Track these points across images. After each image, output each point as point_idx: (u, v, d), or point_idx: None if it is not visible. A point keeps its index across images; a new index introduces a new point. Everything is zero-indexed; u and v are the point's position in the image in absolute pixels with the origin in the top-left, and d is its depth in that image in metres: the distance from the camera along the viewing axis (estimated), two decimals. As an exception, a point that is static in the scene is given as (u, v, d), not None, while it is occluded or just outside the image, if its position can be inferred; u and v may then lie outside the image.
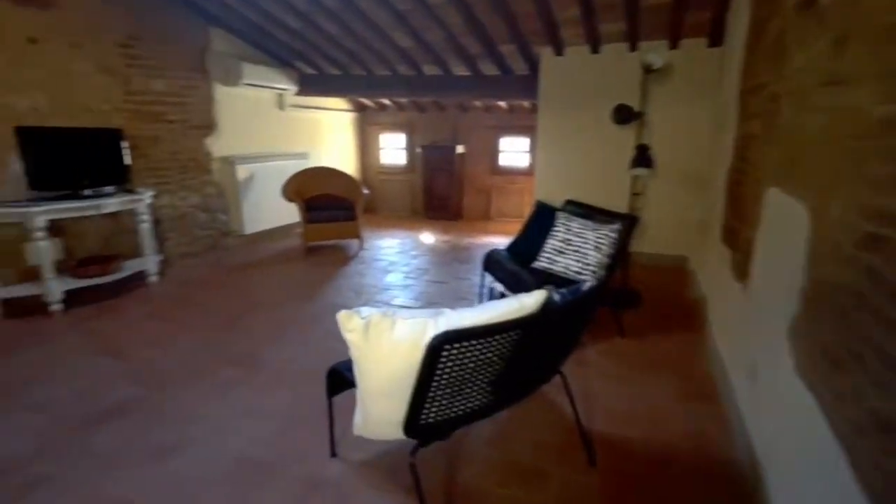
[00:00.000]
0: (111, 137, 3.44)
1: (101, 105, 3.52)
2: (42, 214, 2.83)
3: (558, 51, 4.17)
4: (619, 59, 4.01)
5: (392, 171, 6.95)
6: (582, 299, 1.29)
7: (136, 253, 3.71)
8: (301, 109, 5.64)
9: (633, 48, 3.94)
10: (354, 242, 5.01)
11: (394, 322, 1.04)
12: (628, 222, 2.63)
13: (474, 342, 1.06)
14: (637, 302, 3.18)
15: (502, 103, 5.85)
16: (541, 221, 2.98)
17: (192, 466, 1.70)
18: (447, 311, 1.13)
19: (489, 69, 4.65)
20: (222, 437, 1.86)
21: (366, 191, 4.90)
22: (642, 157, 3.21)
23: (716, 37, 3.59)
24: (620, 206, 3.54)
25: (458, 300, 3.41)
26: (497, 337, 1.09)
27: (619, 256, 2.56)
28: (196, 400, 2.11)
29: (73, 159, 3.18)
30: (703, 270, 3.30)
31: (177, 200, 4.17)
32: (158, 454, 1.76)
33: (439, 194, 6.38)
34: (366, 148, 7.00)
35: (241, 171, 4.73)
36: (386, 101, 6.26)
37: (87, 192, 3.22)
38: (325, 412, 1.74)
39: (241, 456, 1.76)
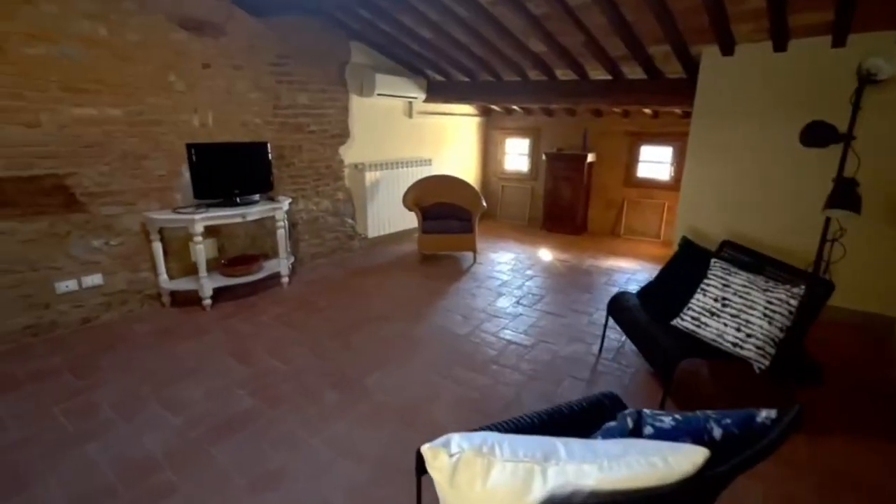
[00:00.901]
0: (260, 149, 3.80)
1: (254, 119, 3.91)
2: (201, 222, 3.23)
3: (727, 49, 3.45)
4: (817, 57, 3.14)
5: (513, 177, 6.68)
6: (759, 454, 0.92)
7: (274, 253, 4.09)
8: (428, 116, 5.68)
9: (840, 42, 3.05)
10: (469, 255, 4.90)
11: (490, 465, 0.82)
12: (818, 288, 2.00)
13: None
14: (816, 377, 2.48)
15: (647, 109, 5.17)
16: (687, 267, 2.47)
17: (287, 504, 1.72)
18: (561, 448, 0.88)
19: (633, 72, 4.08)
20: (317, 477, 1.86)
21: (484, 204, 4.74)
22: (846, 196, 2.41)
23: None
24: (799, 250, 2.80)
25: (573, 341, 3.06)
26: None
27: (799, 330, 1.97)
28: (301, 426, 2.17)
29: (228, 171, 3.57)
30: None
31: (311, 205, 4.50)
32: (259, 484, 1.82)
33: (563, 205, 5.93)
34: (488, 153, 6.83)
35: (370, 178, 4.93)
36: (515, 106, 5.99)
37: (237, 199, 3.61)
38: (413, 470, 1.61)
39: None
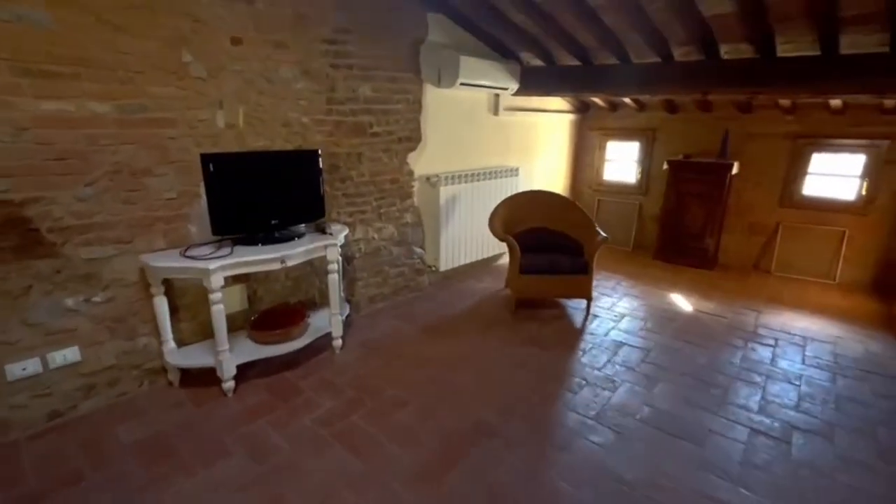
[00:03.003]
0: (308, 160, 2.70)
1: (301, 118, 2.82)
2: (220, 272, 2.15)
3: None
4: None
5: (614, 189, 5.32)
6: None
7: (323, 299, 3.01)
8: (515, 113, 4.44)
9: None
10: (577, 302, 3.62)
11: None
12: None
13: None
14: None
15: (837, 101, 3.68)
16: None
17: None
18: None
19: (856, 44, 2.68)
20: None
21: (604, 234, 3.44)
22: None
23: None
24: None
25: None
26: None
27: None
28: None
29: (263, 192, 2.48)
30: None
31: (371, 233, 3.37)
32: None
33: (688, 229, 4.53)
34: (581, 158, 5.51)
35: (445, 194, 3.76)
36: (626, 100, 4.63)
37: (276, 234, 2.53)
38: None
39: None
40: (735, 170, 4.21)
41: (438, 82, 3.57)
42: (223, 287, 2.22)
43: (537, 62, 3.96)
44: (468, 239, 4.08)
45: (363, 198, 3.26)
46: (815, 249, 4.18)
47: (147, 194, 2.28)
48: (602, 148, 5.29)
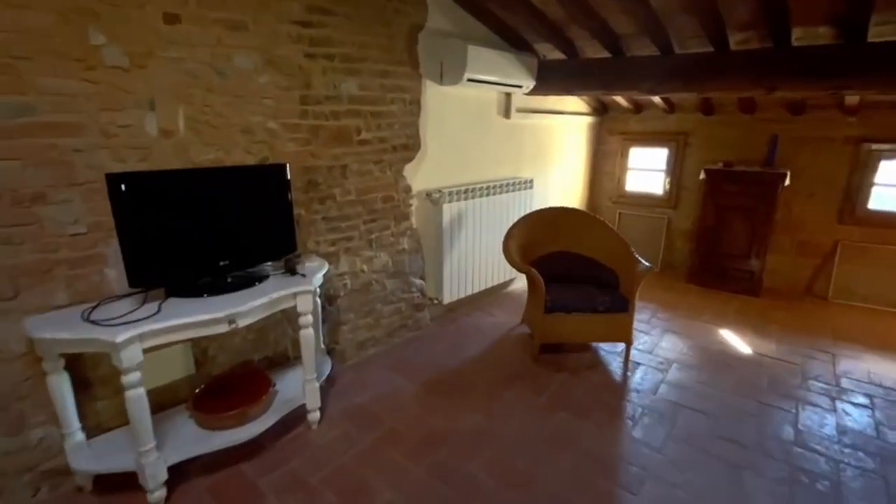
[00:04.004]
0: (273, 178, 2.05)
1: (266, 122, 2.17)
2: (131, 345, 1.49)
3: None
4: None
5: (638, 201, 4.69)
6: None
7: (298, 353, 2.35)
8: (530, 115, 3.82)
9: None
10: (618, 347, 2.98)
11: None
12: None
13: None
14: None
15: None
16: None
17: None
18: None
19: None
20: None
21: (646, 263, 2.80)
22: None
23: None
24: None
25: None
26: None
27: None
28: None
29: (207, 224, 1.83)
30: None
31: (360, 264, 2.72)
32: None
33: (730, 249, 3.91)
34: (599, 166, 4.89)
35: (448, 212, 3.12)
36: (656, 99, 4.02)
37: (228, 279, 1.88)
38: None
39: None
40: (787, 181, 3.59)
41: (441, 78, 2.94)
42: (139, 369, 1.56)
43: (557, 54, 3.34)
44: (475, 265, 3.44)
45: (349, 221, 2.61)
46: (883, 273, 3.57)
47: (40, 230, 1.62)
48: (624, 155, 4.67)
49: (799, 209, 3.83)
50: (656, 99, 3.97)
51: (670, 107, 4.18)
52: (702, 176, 3.92)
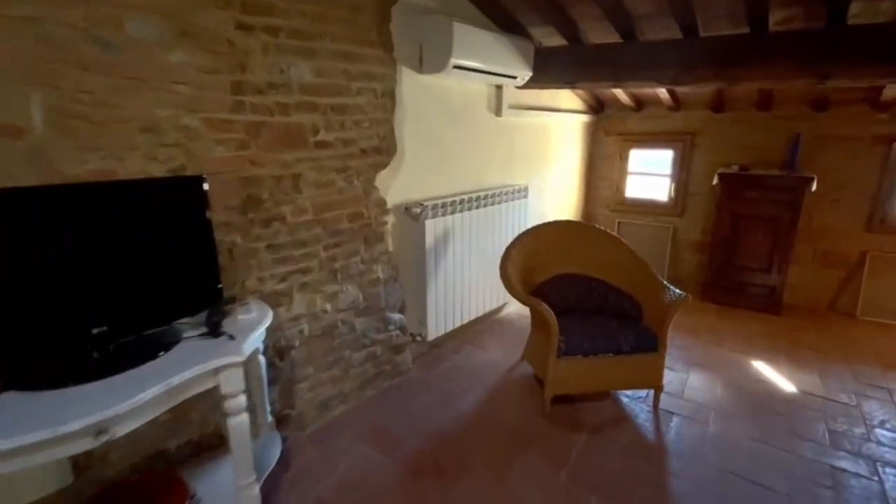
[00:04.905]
0: (182, 197, 1.43)
1: (180, 118, 1.55)
2: None
3: None
4: None
5: (639, 209, 4.23)
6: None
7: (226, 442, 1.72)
8: (523, 113, 3.29)
9: None
10: (642, 391, 2.45)
11: None
12: None
13: None
14: None
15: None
16: None
17: None
18: None
19: None
20: None
21: (677, 290, 2.30)
22: None
23: None
24: None
25: None
26: None
27: None
28: None
29: (74, 271, 1.20)
30: None
31: (320, 302, 2.11)
32: None
33: (749, 262, 3.48)
34: (595, 169, 4.41)
35: (432, 230, 2.54)
36: (662, 93, 3.54)
37: (109, 348, 1.25)
38: None
39: None
40: (815, 186, 3.18)
41: (420, 64, 2.38)
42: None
43: (556, 40, 2.82)
44: (465, 291, 2.88)
45: (305, 248, 2.00)
46: (917, 287, 3.21)
47: None
48: (623, 157, 4.21)
49: (821, 216, 3.43)
50: (663, 94, 3.51)
51: (676, 103, 3.74)
52: (715, 181, 3.48)
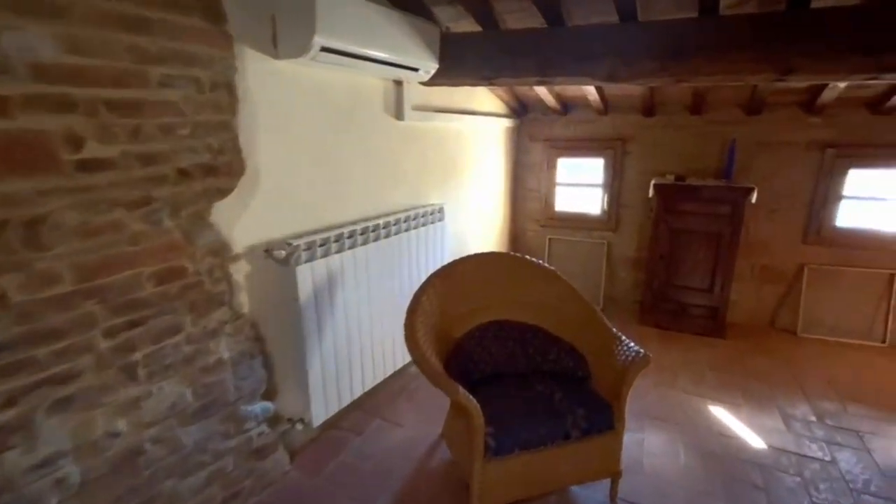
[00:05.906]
0: None
1: None
2: None
3: None
4: None
5: (570, 224, 3.79)
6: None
7: None
8: (432, 116, 2.67)
9: None
10: (600, 487, 1.89)
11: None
12: None
13: None
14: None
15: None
16: None
17: None
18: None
19: None
20: None
21: (633, 346, 1.77)
22: None
23: None
24: None
25: None
26: None
27: None
28: None
29: None
30: None
31: (103, 423, 1.30)
32: None
33: (688, 282, 3.14)
34: (521, 181, 3.92)
35: (308, 277, 1.82)
36: (591, 93, 3.10)
37: None
38: None
39: None
40: (755, 197, 2.90)
41: (275, 45, 1.66)
42: None
43: (467, 25, 2.23)
44: (364, 349, 2.19)
45: (60, 341, 1.19)
46: (852, 300, 3.04)
47: None
48: (551, 166, 3.75)
49: (758, 228, 3.19)
50: (591, 95, 3.06)
51: (605, 106, 3.34)
52: (651, 192, 3.11)
